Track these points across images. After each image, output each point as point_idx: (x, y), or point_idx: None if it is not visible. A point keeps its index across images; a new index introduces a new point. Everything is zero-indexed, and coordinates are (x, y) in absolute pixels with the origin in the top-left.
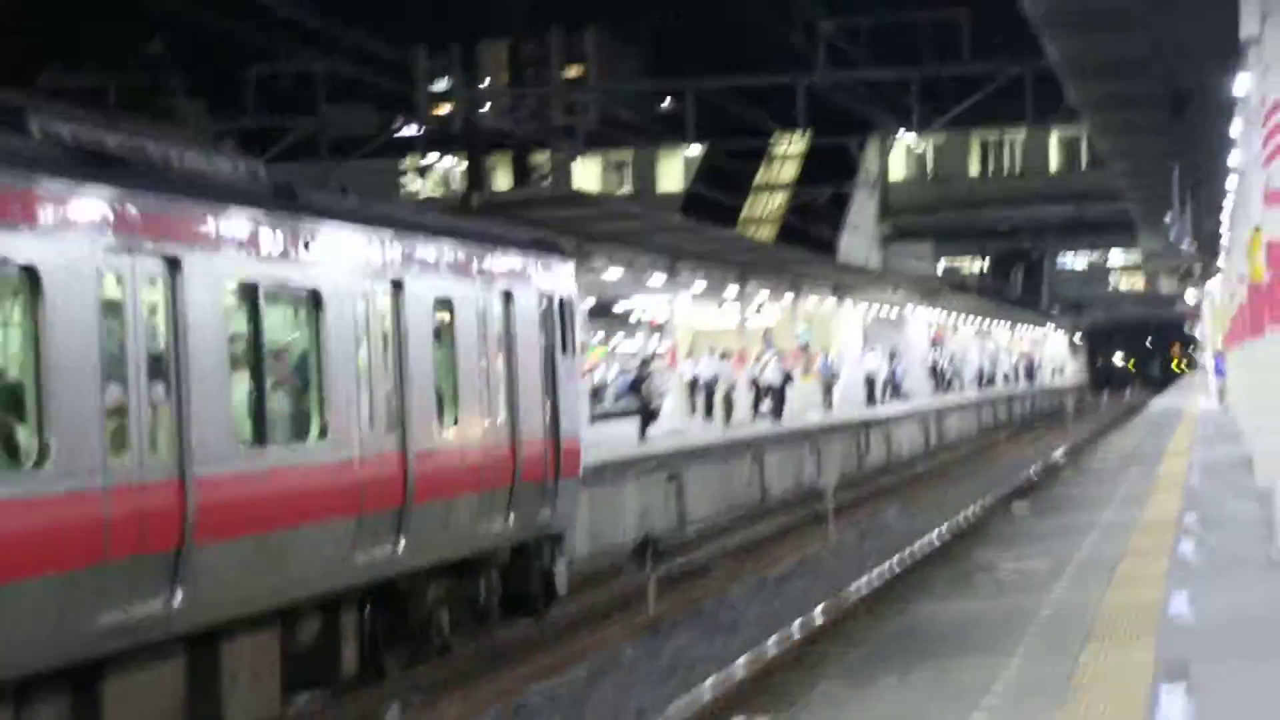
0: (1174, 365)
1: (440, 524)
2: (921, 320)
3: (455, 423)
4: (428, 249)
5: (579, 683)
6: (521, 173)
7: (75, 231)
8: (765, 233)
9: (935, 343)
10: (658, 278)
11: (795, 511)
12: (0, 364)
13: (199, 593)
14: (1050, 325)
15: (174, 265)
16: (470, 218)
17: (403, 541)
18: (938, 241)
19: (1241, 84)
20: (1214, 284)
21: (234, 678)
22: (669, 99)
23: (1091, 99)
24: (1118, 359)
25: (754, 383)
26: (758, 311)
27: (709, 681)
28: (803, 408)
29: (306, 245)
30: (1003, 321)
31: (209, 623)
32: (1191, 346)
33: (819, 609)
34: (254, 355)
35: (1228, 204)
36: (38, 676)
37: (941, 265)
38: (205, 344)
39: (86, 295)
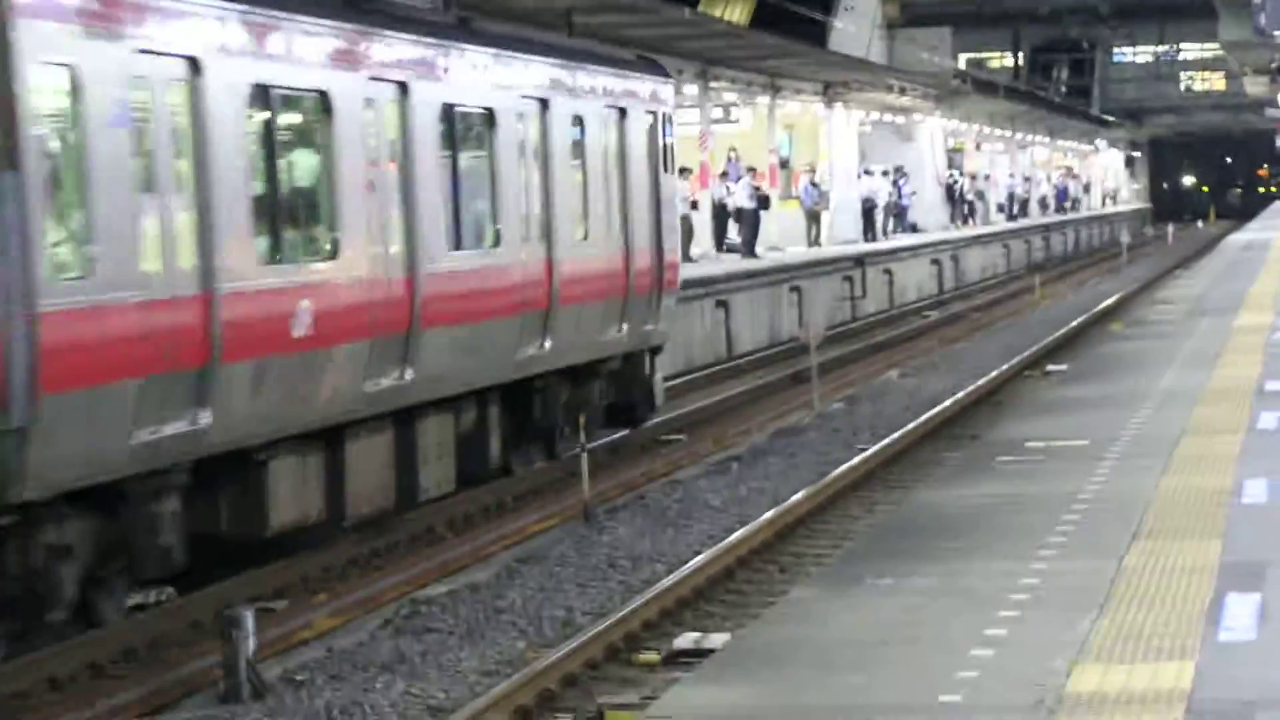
0: (1262, 189)
1: (574, 328)
2: (936, 130)
3: (585, 236)
4: (564, 72)
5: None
6: None
7: (355, 68)
8: (736, 13)
9: (953, 160)
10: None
11: (770, 371)
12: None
13: (420, 371)
14: (1102, 139)
15: (404, 89)
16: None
17: (548, 342)
18: (958, 28)
19: None
20: None
21: (425, 455)
22: None
23: None
24: (1188, 181)
25: (720, 206)
26: (726, 117)
27: (654, 590)
28: (782, 239)
29: (485, 69)
30: (1042, 133)
31: (425, 398)
32: None
33: (797, 495)
34: (454, 171)
35: None
36: (347, 419)
37: (963, 60)
38: (427, 164)
39: (357, 118)
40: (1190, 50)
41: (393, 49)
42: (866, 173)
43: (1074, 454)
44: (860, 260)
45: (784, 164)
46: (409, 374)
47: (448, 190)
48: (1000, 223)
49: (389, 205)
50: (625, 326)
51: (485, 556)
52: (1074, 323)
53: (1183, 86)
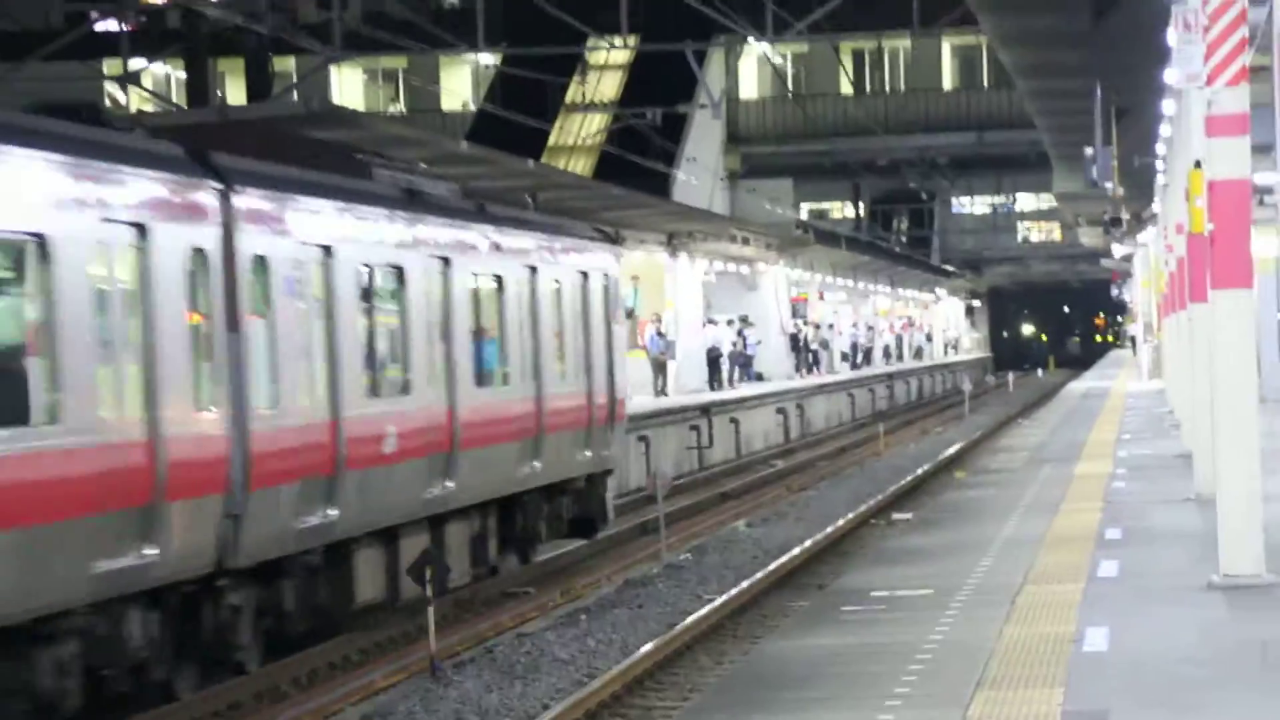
0: (1099, 337)
1: (555, 452)
2: (780, 279)
3: (561, 376)
4: (549, 243)
5: None
6: (261, 83)
7: (418, 248)
8: (580, 164)
9: (797, 309)
10: None
11: (618, 521)
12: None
13: (461, 481)
14: (942, 288)
15: (446, 263)
16: (548, 215)
17: (538, 463)
18: (800, 180)
19: None
20: (1149, 235)
21: (450, 551)
22: None
23: None
24: (1028, 329)
25: None
26: None
27: None
28: (628, 389)
29: (497, 247)
30: (884, 283)
31: (459, 504)
32: (1120, 316)
33: (645, 646)
34: (479, 324)
35: (1163, 133)
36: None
37: (805, 210)
38: (460, 319)
39: (433, 289)
40: (1027, 201)
41: (441, 232)
42: (711, 322)
43: (918, 603)
44: (707, 409)
45: (629, 314)
46: (450, 485)
47: (468, 342)
48: (844, 371)
49: (437, 353)
50: (589, 452)
51: (331, 714)
52: (918, 471)
53: (1020, 237)
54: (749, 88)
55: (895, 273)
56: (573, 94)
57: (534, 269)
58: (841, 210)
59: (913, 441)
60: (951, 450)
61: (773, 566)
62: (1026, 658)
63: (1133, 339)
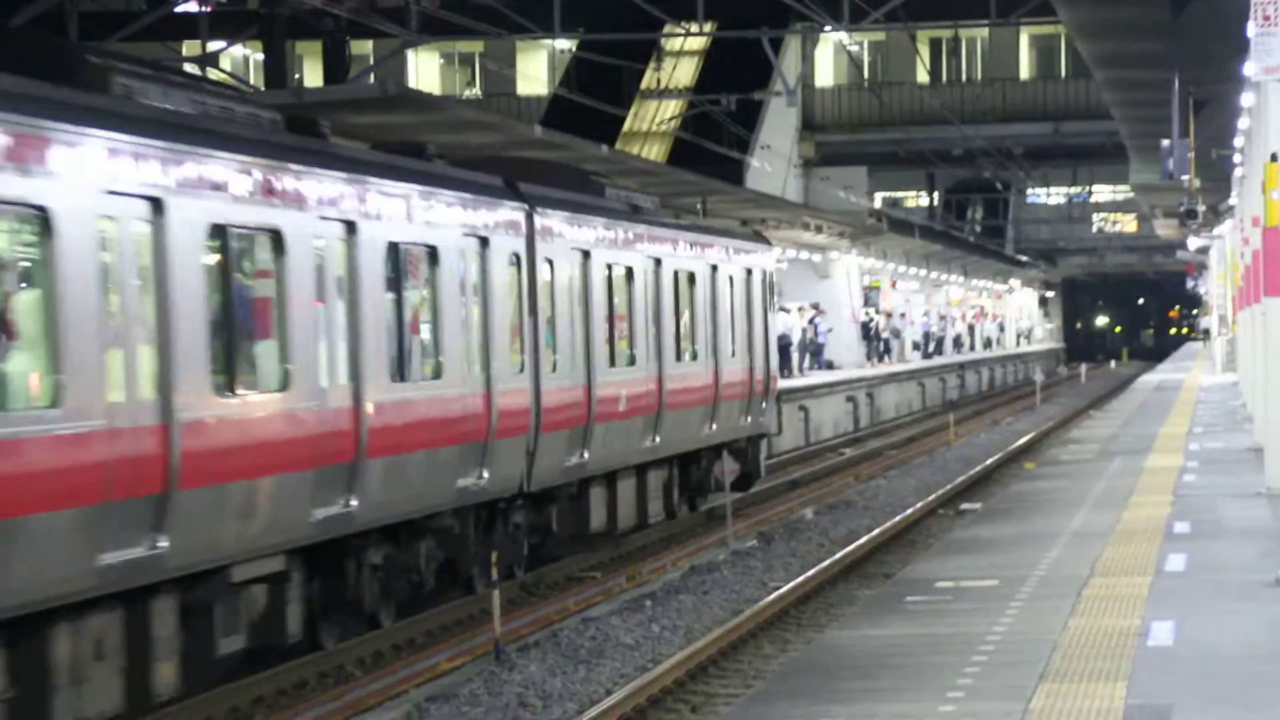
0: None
1: (726, 416)
2: (852, 268)
3: (732, 355)
4: (725, 244)
5: None
6: (338, 66)
7: (640, 250)
8: (655, 150)
9: (869, 298)
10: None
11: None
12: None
13: (665, 437)
14: (1016, 278)
15: (658, 263)
16: (715, 220)
17: (714, 425)
18: (874, 168)
19: None
20: (1226, 228)
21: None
22: None
23: None
24: (1101, 321)
25: None
26: None
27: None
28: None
29: (689, 248)
30: (956, 272)
31: (665, 454)
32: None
33: (710, 633)
34: (678, 311)
35: (1241, 126)
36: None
37: (879, 199)
38: (669, 308)
39: (648, 283)
40: (1102, 192)
41: (653, 237)
42: (783, 309)
43: (984, 594)
44: (776, 397)
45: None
46: (657, 439)
47: (671, 325)
48: (915, 361)
49: (651, 334)
50: (749, 419)
51: (394, 695)
52: (987, 461)
53: (1095, 228)
54: (824, 75)
55: (968, 262)
56: (648, 80)
57: (714, 266)
58: (916, 199)
59: (983, 431)
60: (1021, 441)
61: (839, 555)
62: (1091, 651)
63: (1207, 332)
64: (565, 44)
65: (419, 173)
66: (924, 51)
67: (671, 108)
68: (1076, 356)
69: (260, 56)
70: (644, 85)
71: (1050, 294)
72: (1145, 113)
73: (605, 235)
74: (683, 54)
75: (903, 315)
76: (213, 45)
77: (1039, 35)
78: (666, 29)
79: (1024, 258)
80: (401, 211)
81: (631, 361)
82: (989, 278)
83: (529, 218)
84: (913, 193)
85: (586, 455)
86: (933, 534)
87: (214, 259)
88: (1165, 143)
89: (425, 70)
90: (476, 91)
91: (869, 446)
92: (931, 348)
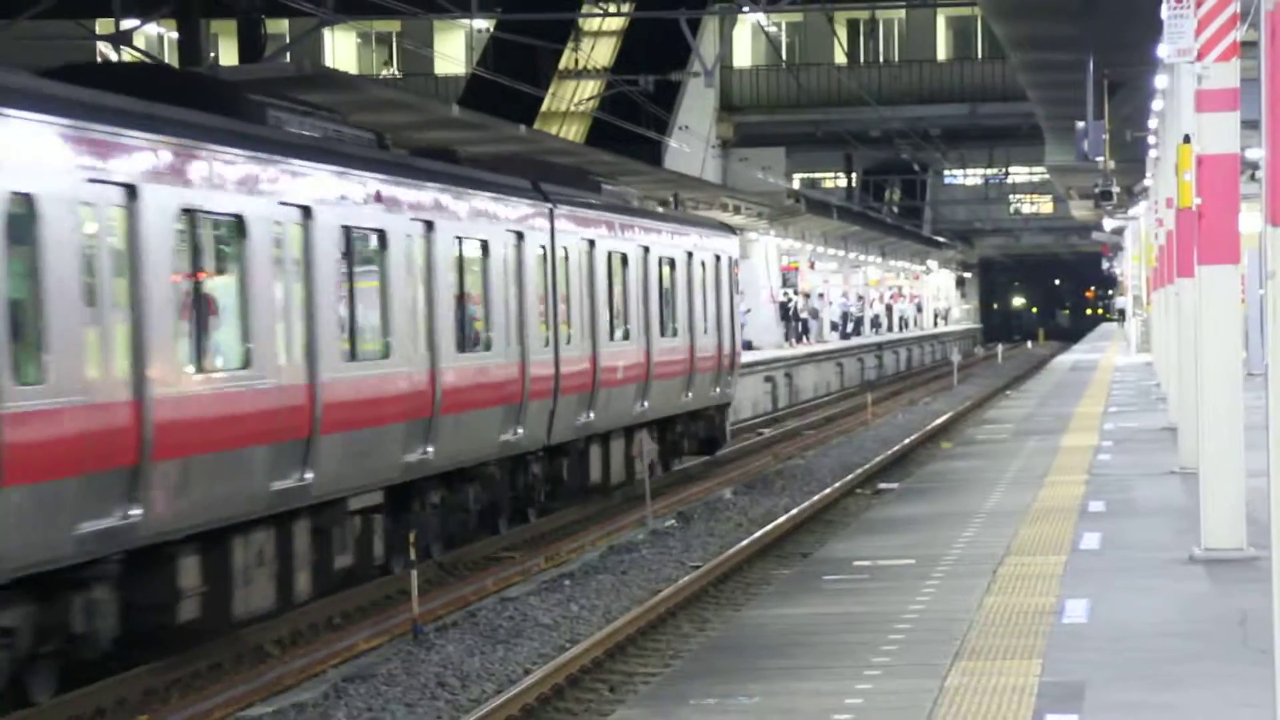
0: (1089, 310)
1: (700, 386)
2: (770, 249)
3: (704, 331)
4: (697, 233)
5: None
6: (253, 45)
7: (634, 240)
8: (573, 130)
9: (787, 278)
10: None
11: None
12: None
13: (652, 403)
14: (933, 259)
15: (646, 251)
16: (687, 212)
17: (691, 394)
18: (792, 149)
19: None
20: (1141, 209)
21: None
22: None
23: None
24: (1018, 302)
25: None
26: None
27: (482, 710)
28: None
29: (670, 235)
30: (874, 253)
31: (651, 418)
32: (1110, 289)
33: (627, 614)
34: (663, 292)
35: (1155, 107)
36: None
37: (797, 180)
38: (655, 290)
39: (644, 270)
40: (1019, 174)
41: (645, 228)
42: None
43: (900, 573)
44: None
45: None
46: (646, 405)
47: (657, 305)
48: (834, 341)
49: (639, 310)
50: (718, 389)
51: (312, 675)
52: (905, 441)
53: (1011, 209)
54: (742, 56)
55: (886, 243)
56: (566, 60)
57: (690, 253)
58: (834, 180)
59: (900, 411)
60: (939, 421)
61: (757, 535)
62: (1006, 629)
63: (1122, 312)
64: (483, 24)
65: (481, 181)
66: (841, 33)
67: (589, 88)
68: (993, 337)
69: (174, 35)
70: (562, 65)
71: (967, 275)
72: (1060, 94)
73: (606, 229)
74: (600, 34)
75: (821, 296)
76: (126, 24)
77: (955, 17)
78: (584, 9)
79: (941, 239)
80: (465, 210)
81: (626, 336)
82: (907, 258)
83: (550, 216)
84: (831, 174)
85: (593, 416)
86: (850, 513)
87: (343, 252)
88: (1080, 124)
89: (342, 50)
90: (394, 71)
91: (787, 426)
92: (850, 328)
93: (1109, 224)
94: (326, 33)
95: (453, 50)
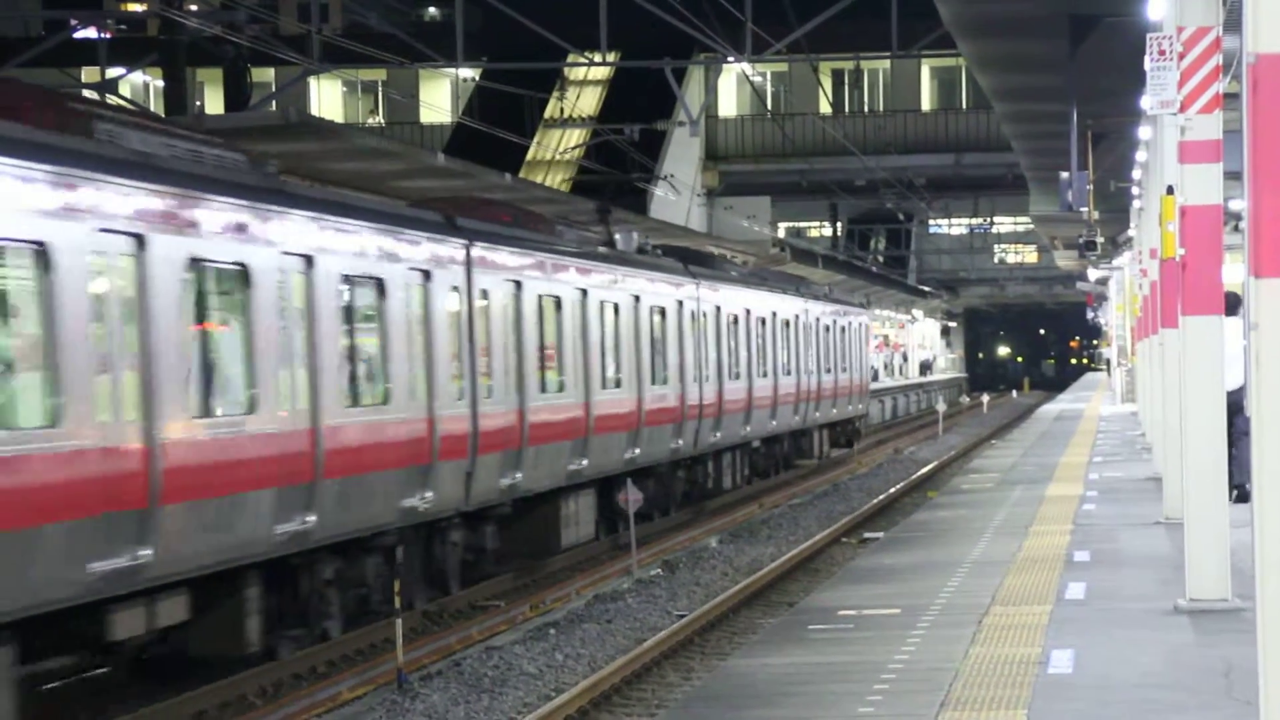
0: (1074, 360)
1: (834, 403)
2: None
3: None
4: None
5: None
6: (239, 93)
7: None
8: (558, 179)
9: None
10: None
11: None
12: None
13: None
14: (918, 308)
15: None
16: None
17: (832, 410)
18: (778, 198)
19: (1156, 5)
20: (1125, 259)
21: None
22: (433, 6)
23: (970, 21)
24: (1003, 351)
25: None
26: None
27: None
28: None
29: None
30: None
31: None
32: (1095, 339)
33: (613, 663)
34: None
35: (1138, 158)
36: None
37: (782, 229)
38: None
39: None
40: (1003, 223)
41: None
42: None
43: (885, 622)
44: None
45: None
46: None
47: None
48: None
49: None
50: (860, 405)
51: None
52: (891, 490)
53: (996, 258)
54: (728, 106)
55: (871, 292)
56: (551, 109)
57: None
58: (819, 229)
59: (886, 460)
60: (924, 470)
61: (742, 584)
62: (991, 679)
63: (1107, 362)
64: (468, 73)
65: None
66: (826, 83)
67: (575, 137)
68: (978, 386)
69: (160, 83)
70: (547, 114)
71: (953, 324)
72: (1044, 145)
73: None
74: (586, 83)
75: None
76: (112, 72)
77: (940, 67)
78: (570, 58)
79: (926, 288)
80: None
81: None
82: (892, 307)
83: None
84: (816, 223)
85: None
86: (836, 562)
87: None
88: (1064, 175)
89: (328, 98)
90: (380, 119)
91: (773, 475)
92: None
93: (1093, 274)
94: (312, 81)
95: (438, 99)
